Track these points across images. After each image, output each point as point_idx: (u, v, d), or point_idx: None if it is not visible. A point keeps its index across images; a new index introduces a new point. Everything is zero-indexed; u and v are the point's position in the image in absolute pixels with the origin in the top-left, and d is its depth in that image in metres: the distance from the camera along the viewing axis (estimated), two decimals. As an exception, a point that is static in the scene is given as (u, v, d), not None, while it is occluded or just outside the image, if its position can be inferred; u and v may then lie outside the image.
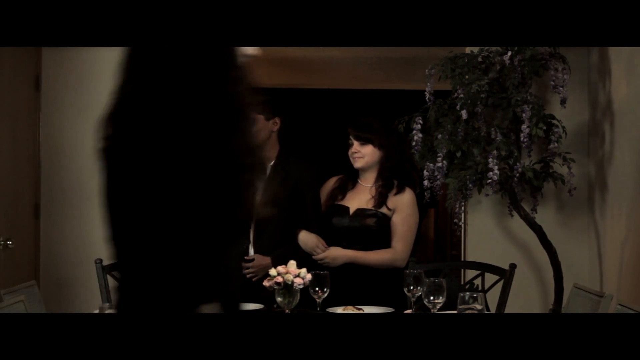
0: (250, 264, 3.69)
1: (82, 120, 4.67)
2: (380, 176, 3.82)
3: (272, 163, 3.80)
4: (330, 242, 3.76)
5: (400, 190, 3.79)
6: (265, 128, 3.74)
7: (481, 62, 4.26)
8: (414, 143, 4.25)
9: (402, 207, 3.77)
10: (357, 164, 3.82)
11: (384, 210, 3.76)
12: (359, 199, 3.81)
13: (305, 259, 3.52)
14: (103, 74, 4.74)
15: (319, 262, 3.68)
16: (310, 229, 3.75)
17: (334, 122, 4.01)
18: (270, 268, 3.53)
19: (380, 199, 3.76)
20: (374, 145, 3.81)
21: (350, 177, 3.87)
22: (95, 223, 4.68)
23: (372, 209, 3.75)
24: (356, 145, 3.80)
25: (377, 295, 3.63)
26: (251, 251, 3.73)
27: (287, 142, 3.88)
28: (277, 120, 3.76)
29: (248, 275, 3.68)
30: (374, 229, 3.74)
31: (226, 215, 1.64)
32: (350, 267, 3.69)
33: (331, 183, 3.90)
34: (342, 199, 3.82)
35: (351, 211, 3.78)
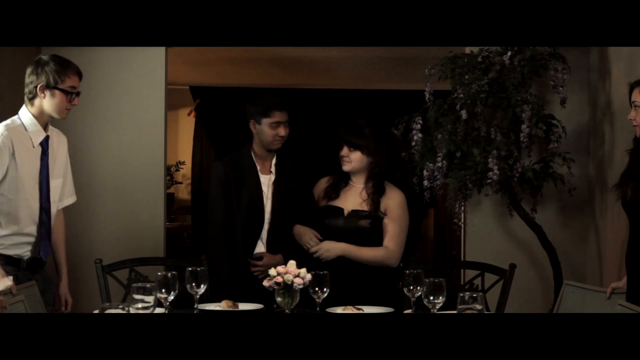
0: (259, 262, 3.71)
1: (81, 120, 4.67)
2: (370, 178, 3.82)
3: (273, 163, 3.83)
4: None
5: (390, 192, 3.79)
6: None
7: (481, 62, 4.26)
8: (413, 143, 4.25)
9: (394, 208, 3.76)
10: (345, 167, 3.83)
11: (377, 212, 3.76)
12: (352, 200, 3.81)
13: (307, 258, 3.53)
14: (102, 74, 4.74)
15: (313, 255, 3.68)
16: (310, 225, 3.77)
17: (333, 121, 4.00)
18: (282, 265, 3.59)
19: (374, 203, 3.76)
20: (362, 151, 3.78)
21: (343, 177, 3.88)
22: (95, 223, 4.70)
23: (366, 210, 3.75)
24: (345, 150, 3.81)
25: (375, 293, 3.63)
26: (262, 249, 3.76)
27: (287, 142, 3.91)
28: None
29: (256, 274, 3.70)
30: (367, 230, 3.74)
31: None
32: (349, 266, 3.68)
33: (324, 182, 3.91)
34: (336, 198, 3.83)
35: (345, 212, 3.78)
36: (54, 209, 3.38)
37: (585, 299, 3.22)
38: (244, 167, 3.83)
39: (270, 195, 3.80)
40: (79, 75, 3.27)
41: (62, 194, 3.48)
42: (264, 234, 3.78)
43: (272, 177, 3.83)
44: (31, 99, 3.25)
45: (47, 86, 3.19)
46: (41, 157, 3.29)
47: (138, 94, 4.79)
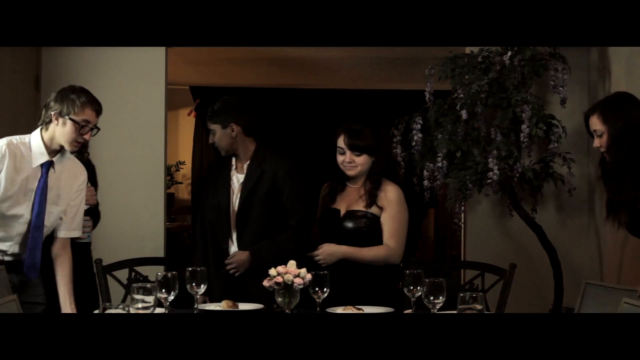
0: (230, 260, 3.73)
1: (82, 120, 4.67)
2: (369, 178, 3.79)
3: (247, 163, 3.84)
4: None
5: (387, 186, 3.76)
6: (225, 136, 3.83)
7: (481, 62, 4.26)
8: (413, 143, 4.25)
9: (391, 204, 3.72)
10: (351, 172, 3.77)
11: (373, 210, 3.72)
12: (348, 200, 3.79)
13: (301, 260, 3.52)
14: (102, 74, 4.74)
15: (315, 259, 3.66)
16: (292, 218, 3.79)
17: (333, 122, 3.98)
18: (250, 262, 3.70)
19: (371, 198, 3.72)
20: (369, 154, 3.76)
21: (340, 181, 3.85)
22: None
23: (362, 209, 3.72)
24: (350, 155, 3.75)
25: (375, 293, 3.62)
26: (235, 248, 3.79)
27: (264, 139, 3.95)
28: (233, 126, 3.81)
29: (231, 272, 3.73)
30: (365, 230, 3.70)
31: None
32: (349, 266, 3.67)
33: (323, 191, 3.90)
34: (334, 202, 3.81)
35: (342, 213, 3.76)
36: (47, 231, 3.34)
37: (607, 298, 3.16)
38: (226, 165, 3.90)
39: (238, 195, 3.81)
40: (96, 111, 3.24)
41: (64, 225, 3.42)
42: (233, 232, 3.82)
43: (242, 177, 3.84)
44: (47, 124, 3.26)
45: (61, 114, 3.20)
46: (39, 179, 3.27)
47: (138, 94, 4.78)
